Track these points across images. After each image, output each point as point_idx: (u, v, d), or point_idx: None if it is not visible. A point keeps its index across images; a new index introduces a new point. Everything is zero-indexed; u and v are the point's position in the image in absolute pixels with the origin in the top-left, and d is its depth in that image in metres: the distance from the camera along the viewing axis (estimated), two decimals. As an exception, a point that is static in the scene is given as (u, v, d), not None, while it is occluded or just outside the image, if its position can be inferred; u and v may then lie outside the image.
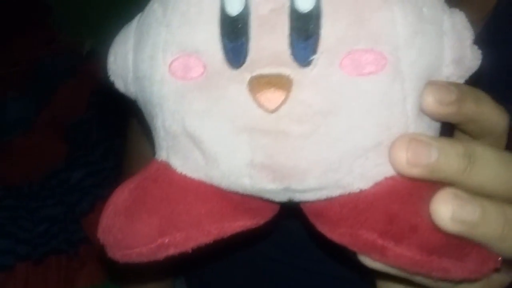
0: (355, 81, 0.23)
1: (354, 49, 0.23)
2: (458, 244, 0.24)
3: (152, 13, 0.27)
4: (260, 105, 0.23)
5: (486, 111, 0.26)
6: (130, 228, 0.27)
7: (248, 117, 0.24)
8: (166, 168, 0.27)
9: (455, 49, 0.25)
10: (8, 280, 0.85)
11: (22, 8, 1.45)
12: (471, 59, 0.25)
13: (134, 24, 0.28)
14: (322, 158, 0.24)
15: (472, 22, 0.42)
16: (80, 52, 1.43)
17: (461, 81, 0.26)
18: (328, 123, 0.23)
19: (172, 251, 0.26)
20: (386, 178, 0.25)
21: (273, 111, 0.23)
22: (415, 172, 0.24)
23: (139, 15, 0.28)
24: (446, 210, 0.23)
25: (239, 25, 0.24)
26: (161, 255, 0.27)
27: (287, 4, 0.23)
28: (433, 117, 0.25)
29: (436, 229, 0.24)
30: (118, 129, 0.67)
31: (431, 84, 0.24)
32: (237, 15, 0.24)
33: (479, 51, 0.26)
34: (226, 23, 0.24)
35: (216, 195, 0.27)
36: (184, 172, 0.27)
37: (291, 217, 0.30)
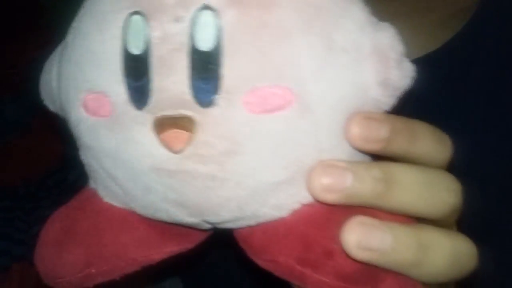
0: (259, 119, 0.23)
1: (257, 86, 0.22)
2: (372, 271, 0.24)
3: (67, 45, 0.26)
4: (165, 146, 0.23)
5: (421, 149, 0.25)
6: (59, 259, 0.27)
7: (154, 158, 0.23)
8: (95, 196, 0.27)
9: (378, 71, 0.24)
10: (4, 280, 0.85)
11: (17, 10, 1.45)
12: (399, 79, 0.24)
13: (58, 53, 0.28)
14: (232, 195, 0.24)
15: (457, 15, 0.42)
16: (76, 53, 1.43)
17: (393, 100, 0.25)
18: (233, 163, 0.23)
19: (99, 280, 0.27)
20: (303, 205, 0.25)
21: (178, 152, 0.23)
22: (330, 198, 0.24)
23: (64, 41, 0.28)
24: (352, 237, 0.23)
25: (141, 65, 0.23)
26: (89, 283, 0.27)
27: (187, 43, 0.22)
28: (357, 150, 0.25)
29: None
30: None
31: (359, 117, 0.23)
32: (139, 54, 0.23)
33: (410, 68, 0.24)
34: (129, 63, 0.23)
35: (142, 223, 0.27)
36: (110, 202, 0.27)
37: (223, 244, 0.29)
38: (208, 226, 0.26)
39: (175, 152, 0.23)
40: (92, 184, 0.28)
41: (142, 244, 0.27)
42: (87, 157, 0.26)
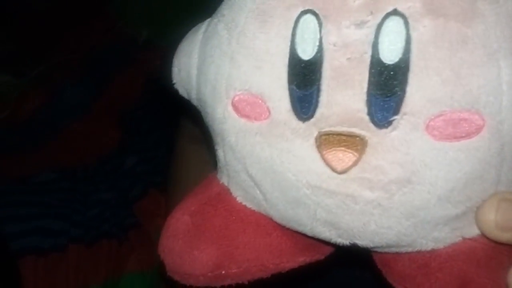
0: (443, 147, 0.20)
1: (445, 110, 0.20)
2: None
3: (217, 36, 0.24)
4: (328, 164, 0.21)
5: None
6: (188, 255, 0.26)
7: (313, 175, 0.22)
8: (227, 194, 0.26)
9: None
10: (61, 260, 0.87)
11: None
12: None
13: (199, 36, 0.26)
14: (394, 225, 0.22)
15: None
16: (136, 40, 1.45)
17: None
18: (404, 193, 0.21)
19: (228, 282, 0.26)
20: (464, 238, 0.22)
21: (341, 172, 0.21)
22: (505, 237, 0.21)
23: (207, 23, 0.26)
24: None
25: (311, 72, 0.21)
26: (217, 284, 0.26)
27: (369, 53, 0.20)
28: None
29: None
30: (171, 117, 0.68)
31: None
32: (309, 60, 0.21)
33: None
34: (296, 68, 0.21)
35: (276, 229, 0.26)
36: (244, 203, 0.26)
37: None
38: (351, 245, 0.24)
39: (339, 172, 0.21)
40: (224, 179, 0.26)
41: (274, 251, 0.26)
42: (228, 157, 0.25)
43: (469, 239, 0.22)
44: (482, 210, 0.21)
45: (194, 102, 0.27)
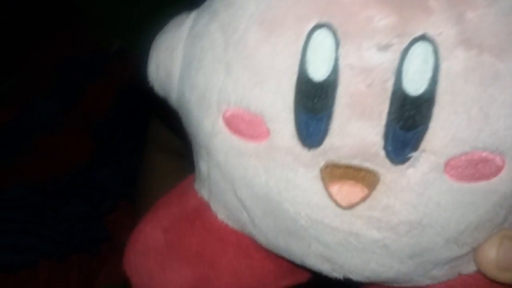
0: (460, 189, 0.18)
1: (469, 151, 0.18)
2: None
3: (209, 37, 0.21)
4: (332, 198, 0.19)
5: None
6: (160, 276, 0.24)
7: (315, 208, 0.20)
8: (206, 209, 0.24)
9: None
10: (31, 276, 0.86)
11: (51, 9, 1.47)
12: None
13: (184, 32, 0.22)
14: (396, 265, 0.20)
15: None
16: (107, 51, 1.44)
17: None
18: (413, 235, 0.19)
19: None
20: (460, 275, 0.21)
21: (346, 208, 0.19)
22: (504, 277, 0.20)
23: (193, 17, 0.22)
24: None
25: (322, 96, 0.18)
26: None
27: (391, 81, 0.18)
28: None
29: None
30: (143, 129, 0.68)
31: None
32: (321, 82, 0.18)
33: None
34: (305, 89, 0.18)
35: (259, 251, 0.23)
36: (226, 222, 0.23)
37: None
38: (344, 279, 0.22)
39: (344, 207, 0.19)
40: (204, 193, 0.23)
41: (256, 275, 0.24)
42: (213, 174, 0.22)
43: (465, 274, 0.21)
44: (483, 248, 0.20)
45: (174, 105, 0.24)
